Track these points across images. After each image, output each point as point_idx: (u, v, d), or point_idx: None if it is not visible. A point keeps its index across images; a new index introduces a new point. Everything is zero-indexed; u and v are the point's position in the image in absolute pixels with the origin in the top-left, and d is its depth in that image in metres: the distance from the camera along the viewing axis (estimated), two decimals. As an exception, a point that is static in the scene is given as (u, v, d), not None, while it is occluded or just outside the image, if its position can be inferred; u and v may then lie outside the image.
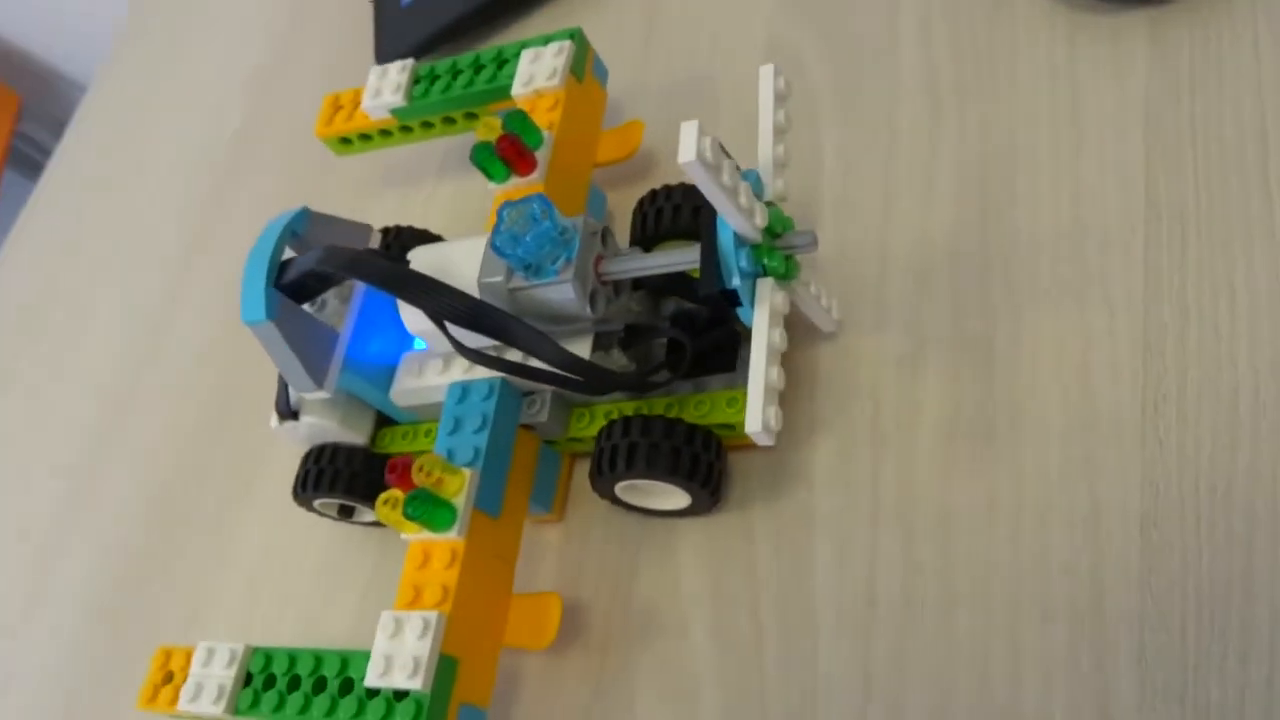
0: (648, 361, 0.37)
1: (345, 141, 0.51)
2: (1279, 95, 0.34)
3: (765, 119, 0.32)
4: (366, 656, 0.34)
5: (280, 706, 0.35)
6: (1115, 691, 0.28)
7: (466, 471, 0.35)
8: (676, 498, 0.36)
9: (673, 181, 0.41)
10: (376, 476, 0.41)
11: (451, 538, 0.34)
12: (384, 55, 0.62)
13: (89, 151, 0.78)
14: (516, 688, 0.37)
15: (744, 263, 0.29)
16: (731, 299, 0.30)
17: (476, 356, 0.34)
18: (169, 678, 0.39)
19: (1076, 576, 0.30)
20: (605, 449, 0.35)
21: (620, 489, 0.36)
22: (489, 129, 0.42)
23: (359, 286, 0.40)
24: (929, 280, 0.37)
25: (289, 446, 0.44)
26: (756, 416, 0.28)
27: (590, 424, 0.38)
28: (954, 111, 0.40)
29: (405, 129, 0.50)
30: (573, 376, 0.33)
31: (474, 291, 0.34)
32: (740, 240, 0.30)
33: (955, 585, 0.31)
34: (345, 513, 0.44)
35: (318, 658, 0.35)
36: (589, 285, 0.33)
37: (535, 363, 0.34)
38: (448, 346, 0.36)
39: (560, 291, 0.33)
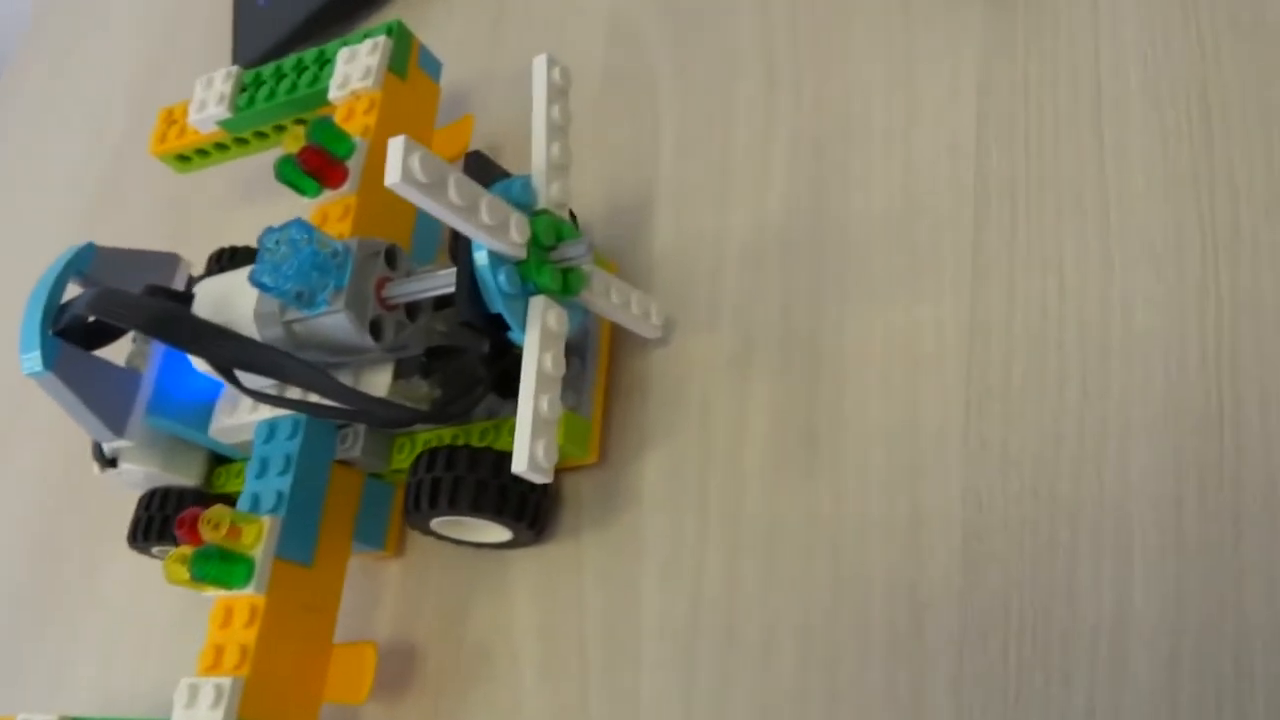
0: (468, 382, 0.34)
1: (183, 159, 0.49)
2: (1115, 53, 0.31)
3: (538, 116, 0.29)
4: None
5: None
6: (933, 725, 0.26)
7: (265, 520, 0.32)
8: (497, 531, 0.33)
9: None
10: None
11: (250, 593, 0.31)
12: (242, 57, 0.59)
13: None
14: (349, 740, 0.35)
15: (504, 283, 0.26)
16: (498, 323, 0.27)
17: (258, 396, 0.32)
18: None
19: (896, 598, 0.27)
20: (412, 485, 0.32)
21: (438, 525, 0.33)
22: (295, 140, 0.39)
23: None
24: (762, 273, 0.34)
25: (126, 492, 0.42)
26: (523, 455, 0.26)
27: (410, 454, 0.35)
28: (790, 84, 0.37)
29: (240, 140, 0.47)
30: (353, 411, 0.31)
31: (253, 325, 0.32)
32: (502, 258, 0.27)
33: (776, 610, 0.29)
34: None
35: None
36: (368, 313, 0.31)
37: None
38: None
39: (334, 322, 0.30)
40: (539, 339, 0.27)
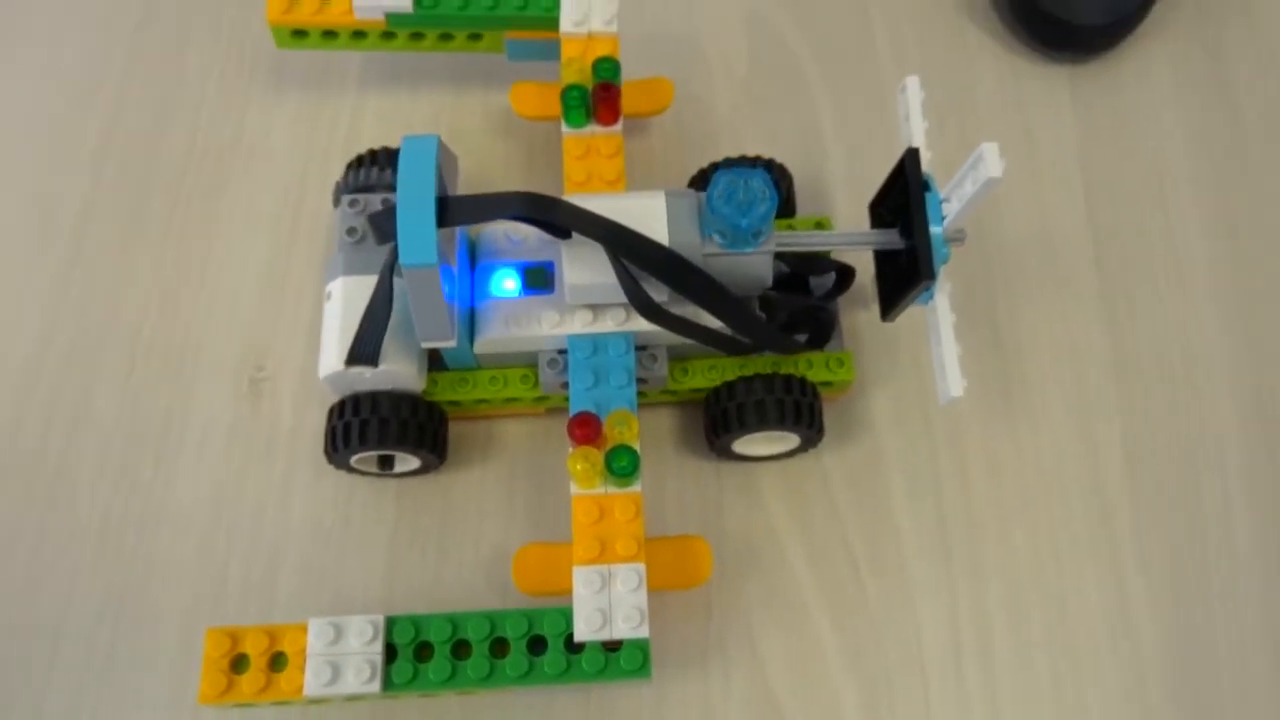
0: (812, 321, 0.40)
1: (299, 35, 0.44)
2: (1181, 143, 0.48)
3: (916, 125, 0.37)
4: (515, 616, 0.34)
5: (453, 676, 0.33)
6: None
7: (636, 421, 0.36)
8: (784, 441, 0.40)
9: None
10: (425, 423, 0.39)
11: (634, 490, 0.35)
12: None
13: None
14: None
15: (946, 253, 0.35)
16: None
17: (659, 317, 0.35)
18: (238, 663, 0.34)
19: (1087, 502, 0.41)
20: (717, 411, 0.39)
21: (740, 444, 0.39)
22: (574, 71, 0.41)
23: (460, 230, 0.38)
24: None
25: (325, 396, 0.39)
26: (958, 382, 0.34)
27: (689, 378, 0.40)
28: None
29: (388, 35, 0.45)
30: (744, 341, 0.37)
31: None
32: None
33: (1007, 518, 0.41)
34: (384, 464, 0.40)
35: (453, 622, 0.34)
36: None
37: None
38: (588, 299, 0.37)
39: (759, 262, 0.35)
40: (948, 297, 0.35)
